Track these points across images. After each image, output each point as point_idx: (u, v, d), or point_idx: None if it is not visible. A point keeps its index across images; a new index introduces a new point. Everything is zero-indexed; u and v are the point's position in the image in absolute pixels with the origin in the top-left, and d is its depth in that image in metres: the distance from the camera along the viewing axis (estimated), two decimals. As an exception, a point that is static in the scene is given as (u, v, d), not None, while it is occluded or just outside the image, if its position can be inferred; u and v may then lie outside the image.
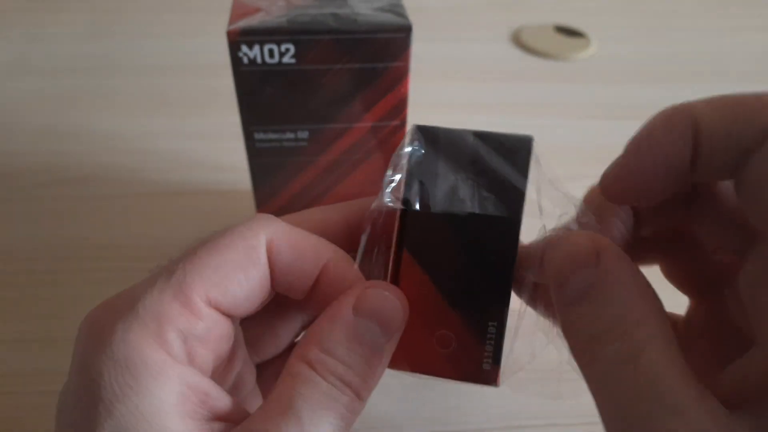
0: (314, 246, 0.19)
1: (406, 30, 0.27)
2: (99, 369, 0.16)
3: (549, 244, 0.18)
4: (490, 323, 0.19)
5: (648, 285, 0.17)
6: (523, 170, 0.19)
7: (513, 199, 0.19)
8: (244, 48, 0.27)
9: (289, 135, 0.30)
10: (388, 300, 0.18)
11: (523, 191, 0.19)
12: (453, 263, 0.19)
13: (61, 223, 0.38)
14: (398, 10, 0.28)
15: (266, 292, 0.19)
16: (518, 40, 0.59)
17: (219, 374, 0.20)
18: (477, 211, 0.19)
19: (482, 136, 0.19)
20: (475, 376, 0.20)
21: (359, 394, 0.18)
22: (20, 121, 0.47)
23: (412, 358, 0.20)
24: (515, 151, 0.19)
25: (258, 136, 0.30)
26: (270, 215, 0.20)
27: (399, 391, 0.29)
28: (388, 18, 0.27)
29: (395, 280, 0.20)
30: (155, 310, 0.17)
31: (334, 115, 0.29)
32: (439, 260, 0.19)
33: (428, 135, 0.20)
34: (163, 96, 0.50)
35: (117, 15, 0.62)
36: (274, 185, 0.32)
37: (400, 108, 0.30)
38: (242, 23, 0.26)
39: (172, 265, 0.18)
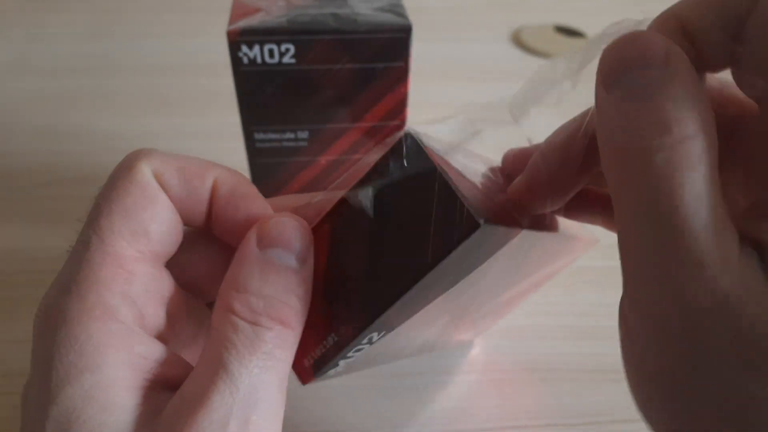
0: (199, 164, 0.19)
1: (406, 30, 0.27)
2: (48, 356, 0.16)
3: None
4: (331, 334, 0.18)
5: (708, 103, 0.15)
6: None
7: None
8: (244, 48, 0.27)
9: (289, 135, 0.30)
10: (288, 224, 0.18)
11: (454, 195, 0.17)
12: (350, 263, 0.18)
13: (61, 224, 0.38)
14: (398, 10, 0.28)
15: (178, 222, 0.19)
16: (518, 40, 0.59)
17: (172, 330, 0.19)
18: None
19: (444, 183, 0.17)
20: (294, 362, 0.19)
21: (286, 322, 0.17)
22: (20, 121, 0.47)
23: None
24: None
25: (258, 136, 0.30)
26: (146, 149, 0.19)
27: (398, 391, 0.29)
28: (388, 18, 0.27)
29: None
30: (88, 281, 0.17)
31: (334, 115, 0.29)
32: (341, 254, 0.18)
33: (409, 148, 0.18)
34: (163, 96, 0.50)
35: (117, 15, 0.62)
36: (274, 185, 0.32)
37: (400, 108, 0.30)
38: (242, 23, 0.26)
39: (83, 236, 0.18)
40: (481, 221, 0.16)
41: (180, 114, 0.48)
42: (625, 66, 0.15)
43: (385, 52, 0.27)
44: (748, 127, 0.17)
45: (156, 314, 0.18)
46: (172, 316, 0.19)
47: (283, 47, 0.27)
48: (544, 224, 0.22)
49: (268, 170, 0.31)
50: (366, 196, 0.18)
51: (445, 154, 0.18)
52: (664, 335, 0.14)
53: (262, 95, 0.28)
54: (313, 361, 0.19)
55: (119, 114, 0.48)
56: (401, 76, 0.28)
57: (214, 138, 0.45)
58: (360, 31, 0.27)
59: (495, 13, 0.65)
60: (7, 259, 0.36)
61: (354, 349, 0.19)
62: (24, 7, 0.63)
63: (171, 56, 0.55)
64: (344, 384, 0.29)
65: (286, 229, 0.18)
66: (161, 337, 0.18)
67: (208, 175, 0.19)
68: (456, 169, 0.18)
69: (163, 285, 0.19)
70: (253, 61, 0.27)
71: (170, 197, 0.18)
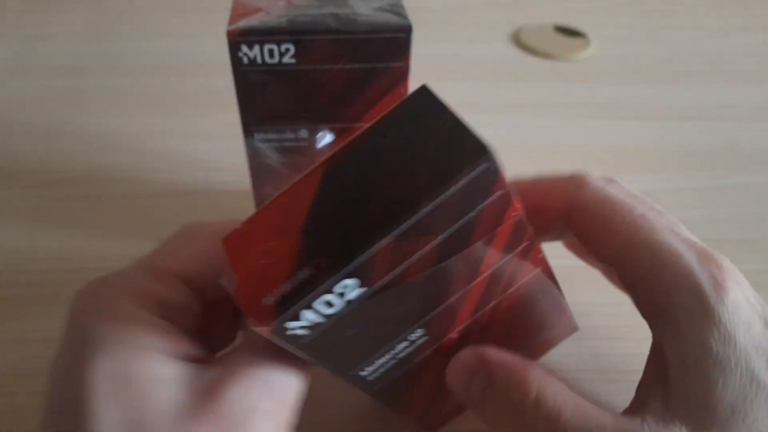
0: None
1: (406, 30, 0.27)
2: (86, 327, 0.18)
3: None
4: (303, 269, 0.16)
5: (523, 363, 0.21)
6: None
7: None
8: (244, 48, 0.27)
9: (289, 135, 0.30)
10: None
11: None
12: (342, 201, 0.17)
13: (61, 223, 0.38)
14: (398, 10, 0.28)
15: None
16: (518, 40, 0.59)
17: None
18: None
19: None
20: (249, 300, 0.17)
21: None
22: (20, 121, 0.47)
23: (233, 246, 0.18)
24: None
25: (258, 136, 0.30)
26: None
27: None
28: (388, 18, 0.27)
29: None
30: (133, 282, 0.19)
31: (334, 115, 0.30)
32: (334, 194, 0.17)
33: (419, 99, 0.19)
34: (163, 96, 0.50)
35: (117, 15, 0.62)
36: (274, 185, 0.32)
37: (400, 108, 0.30)
38: (242, 23, 0.26)
39: (151, 253, 0.21)
40: (488, 150, 0.16)
41: (180, 114, 0.48)
42: (462, 385, 0.22)
43: (385, 52, 0.27)
44: None
45: (181, 322, 0.20)
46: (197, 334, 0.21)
47: (283, 47, 0.27)
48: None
49: (268, 170, 0.31)
50: (370, 141, 0.18)
51: None
52: None
53: (262, 95, 0.28)
54: (278, 297, 0.16)
55: (119, 114, 0.48)
56: (401, 76, 0.28)
57: (214, 138, 0.45)
58: (360, 31, 0.27)
59: (495, 13, 0.65)
60: (7, 259, 0.36)
61: (328, 292, 0.17)
62: (24, 7, 0.63)
63: (171, 56, 0.55)
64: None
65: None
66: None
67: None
68: None
69: (198, 311, 0.21)
70: (253, 61, 0.27)
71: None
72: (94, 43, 0.57)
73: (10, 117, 0.47)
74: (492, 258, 0.20)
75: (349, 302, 0.17)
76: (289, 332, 0.17)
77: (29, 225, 0.38)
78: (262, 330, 0.16)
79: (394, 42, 0.27)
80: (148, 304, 0.18)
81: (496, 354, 0.21)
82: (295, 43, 0.27)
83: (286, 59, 0.27)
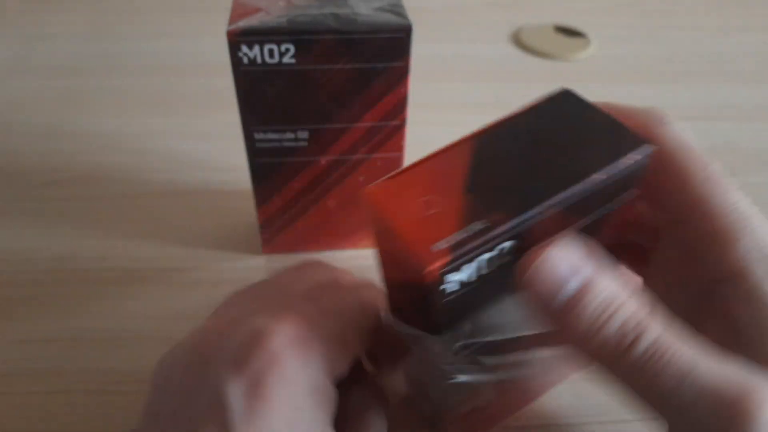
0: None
1: (406, 30, 0.27)
2: (303, 405, 0.19)
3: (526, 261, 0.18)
4: (475, 221, 0.18)
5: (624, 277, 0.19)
6: None
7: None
8: (244, 48, 0.27)
9: (289, 135, 0.30)
10: None
11: None
12: (504, 168, 0.19)
13: (61, 223, 0.38)
14: (398, 10, 0.28)
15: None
16: (518, 40, 0.59)
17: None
18: None
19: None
20: (417, 245, 0.17)
21: None
22: (20, 121, 0.47)
23: (391, 195, 0.19)
24: None
25: (258, 136, 0.30)
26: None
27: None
28: (388, 18, 0.27)
29: None
30: (332, 362, 0.20)
31: (334, 115, 0.30)
32: (492, 161, 0.19)
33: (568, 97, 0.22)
34: (164, 96, 0.50)
35: (117, 15, 0.62)
36: (274, 185, 0.32)
37: (400, 108, 0.30)
38: (242, 23, 0.26)
39: (333, 308, 0.22)
40: (648, 143, 0.19)
41: (180, 114, 0.48)
42: (557, 285, 0.18)
43: (385, 52, 0.27)
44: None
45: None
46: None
47: (283, 47, 0.27)
48: None
49: (268, 170, 0.31)
50: (519, 124, 0.21)
51: None
52: None
53: (262, 95, 0.28)
54: (453, 242, 0.17)
55: (120, 114, 0.48)
56: (401, 76, 0.28)
57: (214, 138, 0.45)
58: (360, 31, 0.27)
59: (495, 13, 0.65)
60: (7, 259, 0.36)
61: (493, 249, 0.18)
62: (24, 7, 0.63)
63: (171, 56, 0.55)
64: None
65: None
66: None
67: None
68: None
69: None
70: (253, 61, 0.27)
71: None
72: (94, 43, 0.57)
73: (10, 117, 0.47)
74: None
75: (500, 267, 0.18)
76: (444, 285, 0.18)
77: (29, 225, 0.38)
78: (428, 273, 0.17)
79: (394, 42, 0.27)
80: (332, 378, 0.20)
81: (600, 260, 0.18)
82: (295, 43, 0.27)
83: (286, 59, 0.27)
